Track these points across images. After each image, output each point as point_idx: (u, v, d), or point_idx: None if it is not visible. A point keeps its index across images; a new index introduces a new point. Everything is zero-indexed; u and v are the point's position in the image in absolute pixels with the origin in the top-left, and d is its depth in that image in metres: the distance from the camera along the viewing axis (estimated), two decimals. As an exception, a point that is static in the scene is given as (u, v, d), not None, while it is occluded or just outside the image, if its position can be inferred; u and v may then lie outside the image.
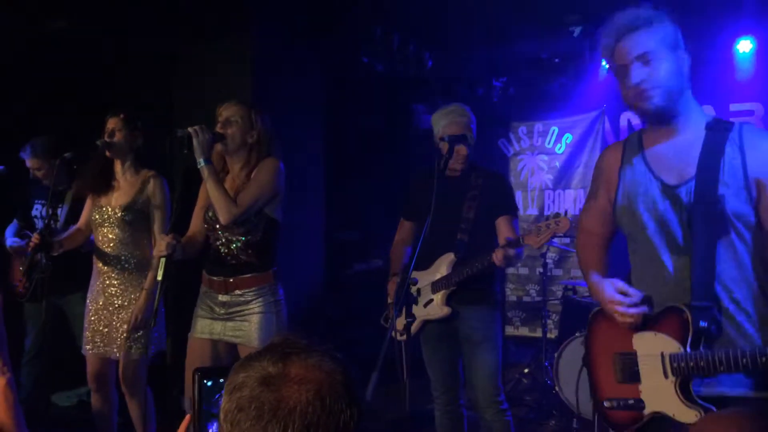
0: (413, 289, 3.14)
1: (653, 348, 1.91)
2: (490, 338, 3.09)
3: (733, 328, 1.85)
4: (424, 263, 3.17)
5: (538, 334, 5.06)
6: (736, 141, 1.86)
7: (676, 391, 1.85)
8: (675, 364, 1.86)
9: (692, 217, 1.86)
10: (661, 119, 1.94)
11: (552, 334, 5.38)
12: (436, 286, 3.13)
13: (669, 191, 1.91)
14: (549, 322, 5.28)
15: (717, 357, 1.78)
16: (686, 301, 1.86)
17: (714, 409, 1.81)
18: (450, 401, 3.19)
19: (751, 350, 1.75)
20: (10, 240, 4.06)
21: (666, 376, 1.87)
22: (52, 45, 4.79)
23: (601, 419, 2.06)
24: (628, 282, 2.05)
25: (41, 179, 3.97)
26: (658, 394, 1.89)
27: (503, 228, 3.11)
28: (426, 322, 3.18)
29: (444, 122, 3.12)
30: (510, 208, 3.18)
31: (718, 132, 1.89)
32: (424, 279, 3.16)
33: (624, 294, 1.96)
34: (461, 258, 3.09)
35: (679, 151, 1.93)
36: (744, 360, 1.74)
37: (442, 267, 3.13)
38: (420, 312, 3.17)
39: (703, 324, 1.82)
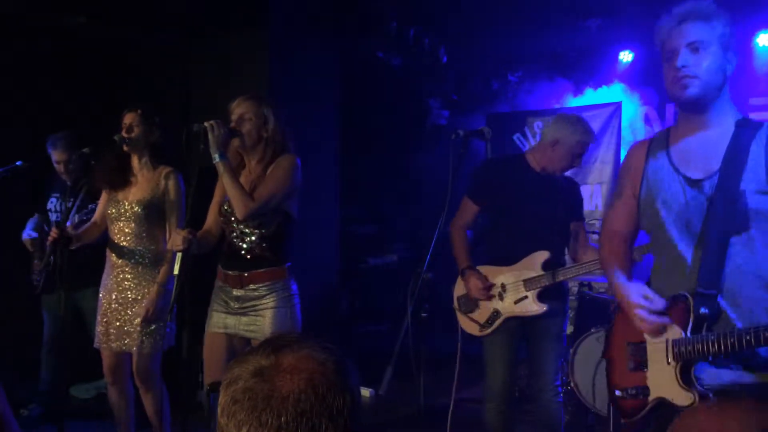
0: (497, 285, 3.17)
1: (660, 336, 1.97)
2: (562, 330, 3.24)
3: (740, 319, 1.88)
4: (507, 258, 3.17)
5: (553, 329, 5.03)
6: (762, 141, 1.90)
7: (676, 375, 1.91)
8: (676, 349, 1.91)
9: (712, 209, 1.90)
10: (694, 109, 1.99)
11: (567, 330, 5.36)
12: (530, 284, 3.11)
13: (692, 184, 1.95)
14: (564, 317, 5.26)
15: (714, 338, 1.82)
16: (694, 288, 1.91)
17: (711, 395, 1.86)
18: (505, 400, 3.18)
19: (746, 328, 1.78)
20: (26, 232, 4.11)
21: (668, 362, 1.93)
22: (69, 40, 4.83)
23: (615, 407, 2.15)
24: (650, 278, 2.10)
25: (64, 173, 3.99)
26: (661, 379, 1.96)
27: (582, 233, 3.27)
28: (508, 319, 3.16)
29: (582, 139, 3.20)
30: (583, 215, 3.35)
31: (746, 129, 1.93)
32: (511, 275, 3.15)
33: (648, 299, 1.98)
34: (553, 258, 3.11)
35: (705, 145, 1.97)
36: (748, 337, 1.75)
37: (535, 264, 3.11)
38: (507, 308, 3.15)
39: (704, 310, 1.87)
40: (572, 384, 4.13)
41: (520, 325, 3.17)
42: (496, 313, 3.16)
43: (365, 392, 4.45)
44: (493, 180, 3.25)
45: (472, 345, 3.34)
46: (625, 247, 2.21)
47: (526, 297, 3.12)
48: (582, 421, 4.28)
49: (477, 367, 3.29)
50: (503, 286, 3.16)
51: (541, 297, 3.11)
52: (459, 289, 3.28)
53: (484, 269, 3.21)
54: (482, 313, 3.20)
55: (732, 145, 1.92)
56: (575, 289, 5.59)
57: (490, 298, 3.16)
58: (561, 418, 3.20)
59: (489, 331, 3.17)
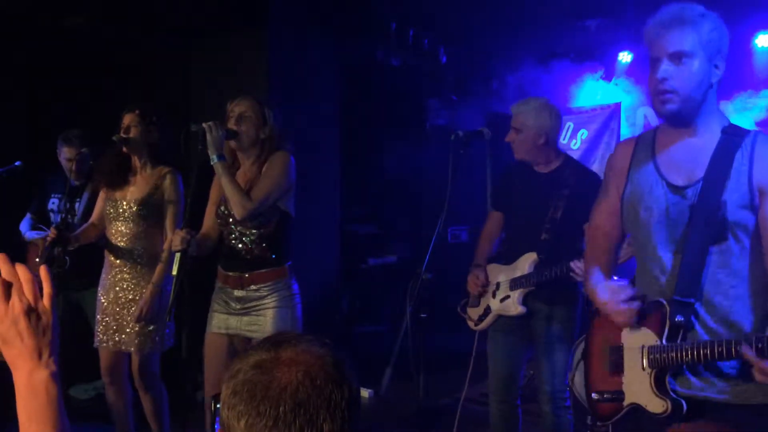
0: (493, 283, 3.18)
1: (637, 341, 1.98)
2: (566, 338, 3.01)
3: (717, 326, 1.87)
4: (507, 258, 3.17)
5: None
6: (747, 149, 1.87)
7: (651, 382, 1.91)
8: (651, 356, 1.91)
9: (693, 218, 1.88)
10: (675, 123, 1.95)
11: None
12: (514, 284, 3.08)
13: (675, 190, 1.93)
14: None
15: (688, 347, 1.81)
16: (671, 296, 1.90)
17: (684, 403, 1.86)
18: (504, 399, 3.17)
19: (719, 341, 1.77)
20: (30, 233, 4.10)
21: (643, 368, 1.93)
22: (69, 40, 4.83)
23: (589, 409, 2.15)
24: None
25: (73, 172, 3.95)
26: (636, 385, 1.96)
27: None
28: (499, 317, 3.16)
29: (544, 124, 3.04)
30: None
31: (732, 138, 1.89)
32: (505, 274, 3.15)
33: (616, 292, 2.01)
34: (544, 259, 3.01)
35: (690, 153, 1.94)
36: (720, 349, 1.75)
37: (524, 265, 3.07)
38: (495, 306, 3.16)
39: (679, 318, 1.86)
40: (571, 384, 4.13)
41: (515, 324, 3.13)
42: (487, 310, 3.19)
43: (364, 393, 4.45)
44: (503, 184, 3.33)
45: (472, 343, 3.36)
46: (607, 243, 2.18)
47: (508, 297, 3.11)
48: (582, 420, 4.28)
49: (478, 365, 3.30)
50: (498, 284, 3.17)
51: (527, 299, 3.05)
52: None
53: (490, 267, 3.24)
54: (479, 309, 3.24)
55: (717, 154, 1.88)
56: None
57: (484, 294, 3.19)
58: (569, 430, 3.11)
59: (481, 326, 3.21)
